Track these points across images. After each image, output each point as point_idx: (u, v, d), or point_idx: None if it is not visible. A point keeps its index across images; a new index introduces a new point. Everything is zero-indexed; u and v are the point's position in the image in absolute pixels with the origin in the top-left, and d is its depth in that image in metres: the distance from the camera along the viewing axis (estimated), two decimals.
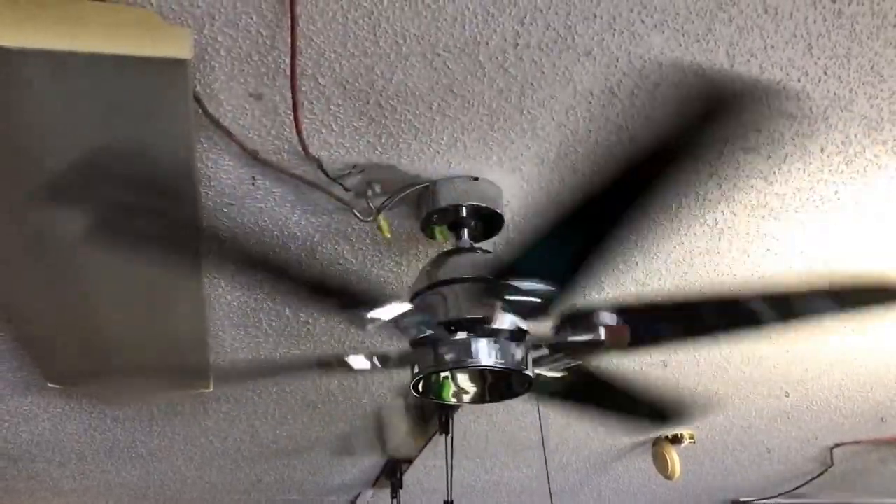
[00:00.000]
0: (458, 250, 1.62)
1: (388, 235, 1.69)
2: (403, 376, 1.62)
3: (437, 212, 1.65)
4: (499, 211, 1.66)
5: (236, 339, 2.33)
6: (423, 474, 3.59)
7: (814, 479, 3.96)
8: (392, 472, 3.62)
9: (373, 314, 1.49)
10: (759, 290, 1.48)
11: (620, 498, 4.29)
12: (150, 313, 2.00)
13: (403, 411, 2.50)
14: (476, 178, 1.64)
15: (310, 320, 2.22)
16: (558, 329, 1.50)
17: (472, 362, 1.47)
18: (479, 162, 1.61)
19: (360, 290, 1.47)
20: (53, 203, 1.46)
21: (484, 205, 1.64)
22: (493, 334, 1.47)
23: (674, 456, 3.36)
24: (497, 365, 1.46)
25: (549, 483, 3.12)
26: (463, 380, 1.61)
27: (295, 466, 3.57)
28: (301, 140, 1.48)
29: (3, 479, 3.50)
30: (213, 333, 2.25)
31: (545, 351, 1.53)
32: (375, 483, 3.78)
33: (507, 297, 1.41)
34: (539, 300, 1.39)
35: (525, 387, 1.55)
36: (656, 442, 3.43)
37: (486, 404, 2.03)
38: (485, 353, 1.46)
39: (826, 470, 3.86)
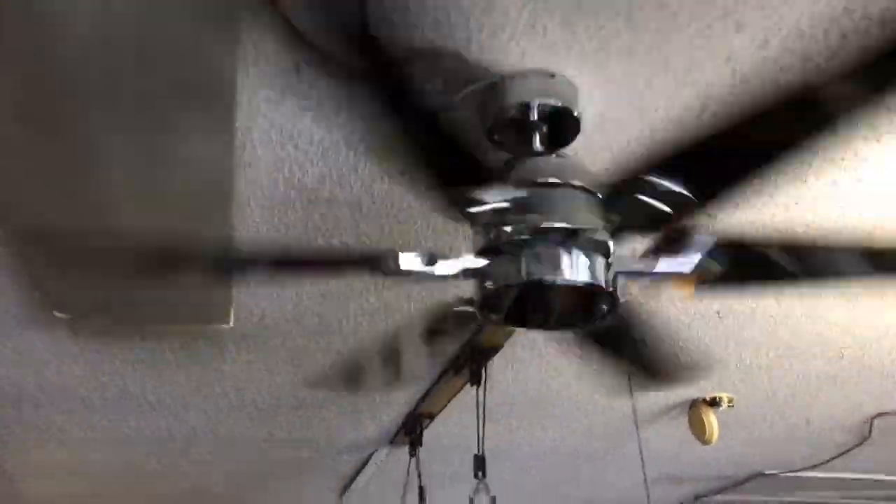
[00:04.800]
0: (535, 153, 1.43)
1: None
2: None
3: (504, 113, 1.45)
4: (575, 114, 1.46)
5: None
6: (444, 431, 3.41)
7: (846, 451, 3.80)
8: (412, 429, 3.45)
9: (480, 195, 1.30)
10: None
11: (644, 465, 4.12)
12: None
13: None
14: (553, 75, 1.44)
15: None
16: (654, 250, 1.32)
17: (560, 279, 1.29)
18: (558, 53, 1.41)
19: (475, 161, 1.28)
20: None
21: (560, 104, 1.44)
22: (583, 246, 1.29)
23: (712, 419, 3.20)
24: (588, 282, 1.29)
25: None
26: (537, 300, 1.41)
27: (310, 422, 3.42)
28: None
29: (6, 427, 3.33)
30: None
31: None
32: (394, 440, 3.62)
33: (629, 201, 1.24)
34: (671, 209, 1.22)
35: (608, 312, 1.36)
36: (693, 405, 3.25)
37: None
38: (573, 267, 1.28)
39: (861, 443, 3.69)
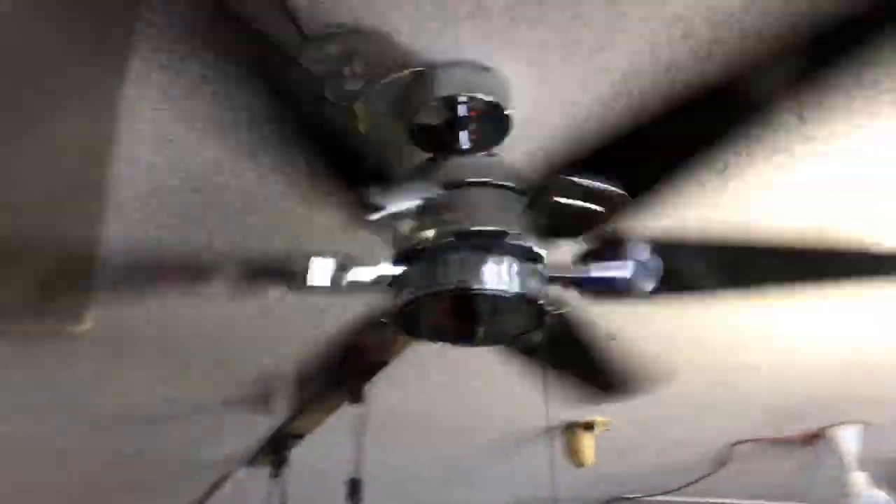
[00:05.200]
0: (459, 151, 1.29)
1: (366, 128, 1.33)
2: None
3: (429, 106, 1.32)
4: (507, 111, 1.34)
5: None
6: (313, 451, 3.19)
7: (706, 476, 3.89)
8: (276, 448, 3.22)
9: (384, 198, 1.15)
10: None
11: (508, 486, 4.05)
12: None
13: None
14: (487, 69, 1.32)
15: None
16: (585, 258, 1.21)
17: (486, 287, 1.16)
18: (498, 42, 1.28)
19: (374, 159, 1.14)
20: None
21: (490, 100, 1.32)
22: (510, 252, 1.16)
23: (587, 443, 3.17)
24: (516, 292, 1.16)
25: None
26: (462, 312, 1.28)
27: (162, 437, 3.14)
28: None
29: None
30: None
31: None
32: (255, 459, 3.35)
33: (555, 202, 1.11)
34: (600, 206, 1.09)
35: (535, 325, 1.24)
36: (569, 427, 3.22)
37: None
38: (497, 276, 1.15)
39: (721, 468, 3.79)
